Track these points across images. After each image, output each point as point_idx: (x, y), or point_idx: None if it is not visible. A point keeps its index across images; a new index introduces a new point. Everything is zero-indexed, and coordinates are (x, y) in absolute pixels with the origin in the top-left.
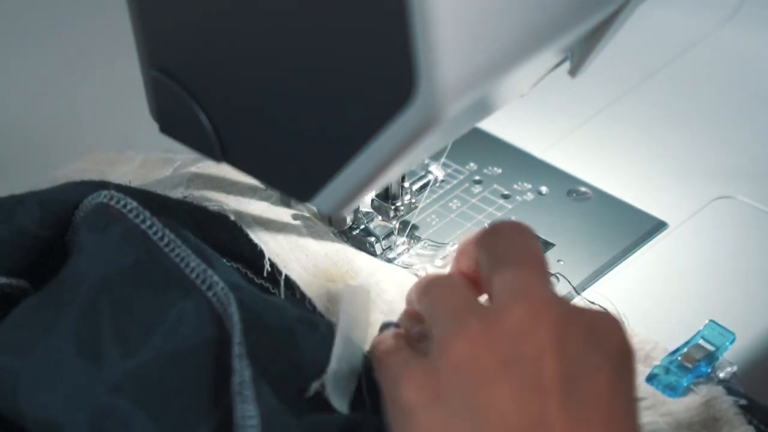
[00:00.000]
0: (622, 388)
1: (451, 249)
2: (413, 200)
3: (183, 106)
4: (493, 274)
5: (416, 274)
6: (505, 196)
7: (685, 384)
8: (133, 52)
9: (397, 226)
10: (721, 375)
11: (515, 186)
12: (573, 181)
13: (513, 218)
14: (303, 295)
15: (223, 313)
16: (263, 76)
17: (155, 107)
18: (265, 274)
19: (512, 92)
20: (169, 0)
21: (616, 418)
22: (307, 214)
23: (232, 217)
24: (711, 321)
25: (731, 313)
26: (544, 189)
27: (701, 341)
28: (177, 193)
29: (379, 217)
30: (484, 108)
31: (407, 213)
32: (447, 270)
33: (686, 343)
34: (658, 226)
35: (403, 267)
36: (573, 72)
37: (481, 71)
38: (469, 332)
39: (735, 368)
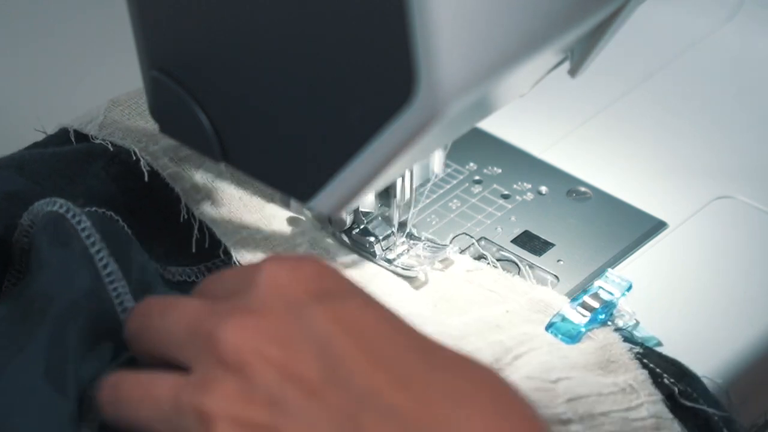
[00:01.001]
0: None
1: (451, 250)
2: (412, 199)
3: (183, 106)
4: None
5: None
6: (505, 196)
7: (582, 331)
8: (131, 50)
9: (396, 226)
10: (620, 323)
11: (515, 186)
12: (573, 181)
13: (513, 218)
14: (219, 242)
15: None
16: (263, 76)
17: (155, 107)
18: (181, 220)
19: (512, 92)
20: (169, 0)
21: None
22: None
23: (147, 161)
24: (608, 270)
25: (731, 313)
26: (543, 189)
27: (599, 290)
28: (93, 128)
29: (379, 218)
30: (484, 108)
31: (406, 211)
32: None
33: (584, 292)
34: (658, 226)
35: (404, 269)
36: (573, 72)
37: (481, 71)
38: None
39: (635, 316)
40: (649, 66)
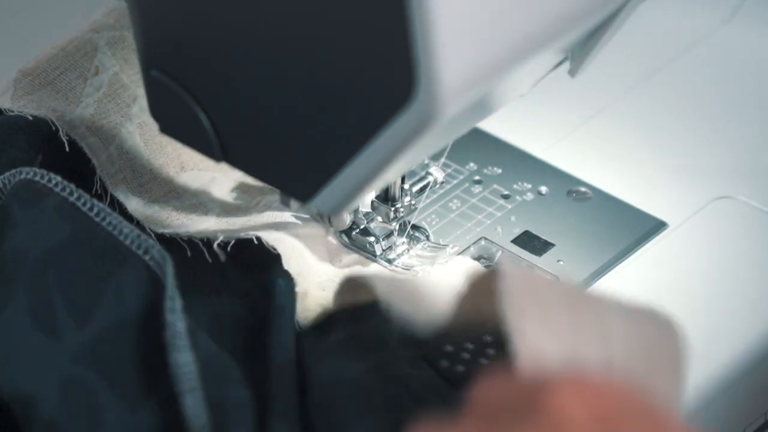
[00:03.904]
0: None
1: (451, 251)
2: (413, 202)
3: (183, 106)
4: None
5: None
6: (505, 196)
7: None
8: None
9: (396, 227)
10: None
11: (515, 186)
12: (573, 181)
13: (513, 218)
14: (131, 217)
15: (162, 273)
16: (263, 75)
17: (155, 107)
18: (92, 193)
19: (512, 92)
20: (169, 0)
21: None
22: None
23: (66, 131)
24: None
25: (731, 313)
26: (544, 189)
27: None
28: (5, 101)
29: (379, 218)
30: (484, 108)
31: (407, 215)
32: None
33: None
34: (658, 226)
35: (404, 268)
36: (573, 72)
37: (481, 71)
38: None
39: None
40: (649, 66)
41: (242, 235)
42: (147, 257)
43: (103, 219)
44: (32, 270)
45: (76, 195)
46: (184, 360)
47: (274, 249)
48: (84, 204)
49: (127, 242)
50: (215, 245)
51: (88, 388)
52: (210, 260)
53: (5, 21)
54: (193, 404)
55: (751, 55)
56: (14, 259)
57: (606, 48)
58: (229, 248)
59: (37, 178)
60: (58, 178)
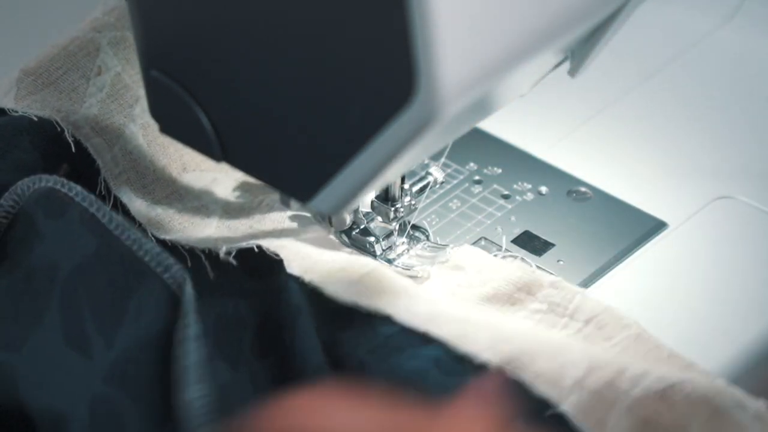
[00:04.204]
0: None
1: (451, 250)
2: (413, 202)
3: (183, 106)
4: None
5: (416, 276)
6: (505, 196)
7: None
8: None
9: (396, 227)
10: None
11: (515, 186)
12: (573, 181)
13: (513, 218)
14: (133, 219)
15: (181, 294)
16: (263, 76)
17: (155, 107)
18: (97, 192)
19: (512, 92)
20: (169, 1)
21: None
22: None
23: (71, 132)
24: None
25: (731, 313)
26: (544, 189)
27: None
28: (9, 101)
29: (379, 218)
30: (484, 108)
31: (407, 215)
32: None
33: None
34: (658, 226)
35: (404, 268)
36: (573, 72)
37: (481, 71)
38: None
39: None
40: (650, 66)
41: (244, 244)
42: (166, 275)
43: (122, 233)
44: (63, 285)
45: (95, 207)
46: (194, 394)
47: (277, 255)
48: (103, 216)
49: (146, 259)
50: (221, 253)
51: (115, 407)
52: (212, 273)
53: (5, 19)
54: None
55: (751, 55)
56: (44, 272)
57: (606, 48)
58: (231, 257)
59: (58, 187)
60: (78, 188)
